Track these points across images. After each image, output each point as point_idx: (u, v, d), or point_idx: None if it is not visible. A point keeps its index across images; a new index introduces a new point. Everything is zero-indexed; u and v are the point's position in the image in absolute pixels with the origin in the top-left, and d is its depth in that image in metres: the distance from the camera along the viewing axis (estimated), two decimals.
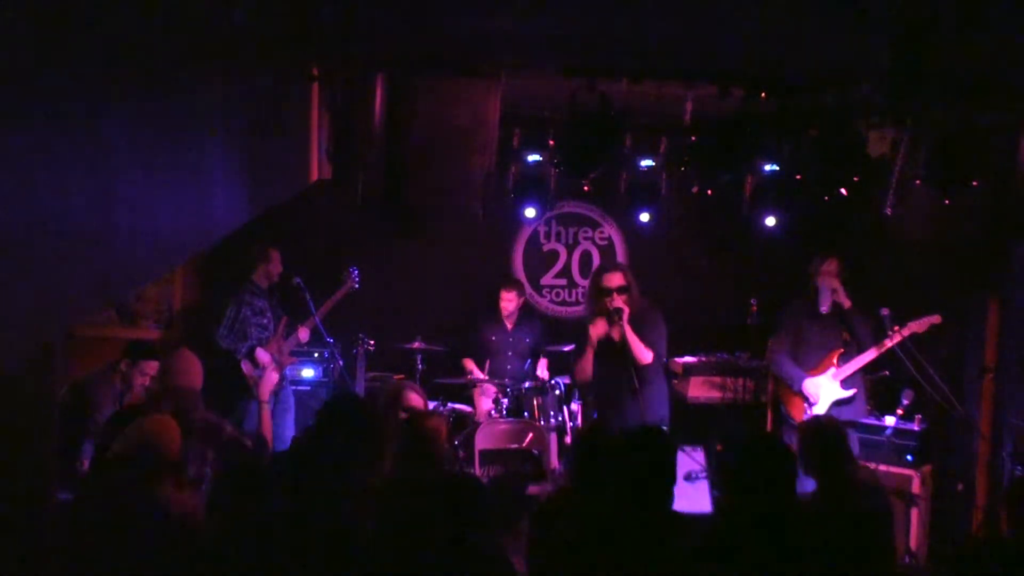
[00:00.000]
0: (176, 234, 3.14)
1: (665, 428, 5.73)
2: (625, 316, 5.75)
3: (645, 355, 5.78)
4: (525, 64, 5.45)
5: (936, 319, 6.07)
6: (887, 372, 6.37)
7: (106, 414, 5.52)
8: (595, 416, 6.32)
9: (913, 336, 6.03)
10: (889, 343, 6.02)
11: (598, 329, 5.89)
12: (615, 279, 5.87)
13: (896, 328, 6.03)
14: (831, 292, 6.18)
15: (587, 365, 5.99)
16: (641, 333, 5.81)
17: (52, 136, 2.06)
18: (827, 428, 4.28)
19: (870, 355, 6.10)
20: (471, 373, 7.37)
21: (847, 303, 6.20)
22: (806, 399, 6.15)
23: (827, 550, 3.68)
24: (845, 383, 6.12)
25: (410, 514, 3.57)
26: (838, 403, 6.09)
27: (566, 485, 4.07)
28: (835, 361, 6.14)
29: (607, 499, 3.58)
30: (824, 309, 6.19)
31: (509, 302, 7.41)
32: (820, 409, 6.06)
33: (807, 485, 4.17)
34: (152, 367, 5.81)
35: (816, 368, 6.18)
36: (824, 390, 6.11)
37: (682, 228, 7.76)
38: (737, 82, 5.42)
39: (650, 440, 3.69)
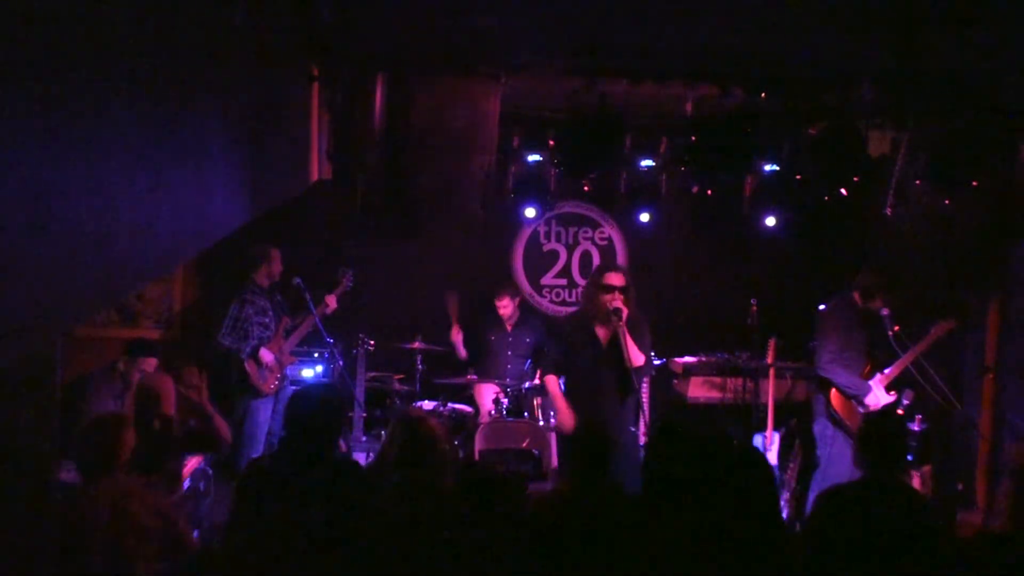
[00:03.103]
0: (176, 234, 3.14)
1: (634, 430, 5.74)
2: (624, 317, 5.73)
3: (637, 357, 5.75)
4: (525, 64, 5.45)
5: (951, 324, 6.03)
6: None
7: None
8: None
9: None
10: (920, 346, 5.99)
11: (604, 332, 5.80)
12: (617, 278, 5.83)
13: (895, 327, 6.02)
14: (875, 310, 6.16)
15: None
16: (634, 336, 5.79)
17: (52, 136, 2.06)
18: (889, 424, 4.18)
19: (909, 357, 6.04)
20: (455, 337, 7.38)
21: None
22: (865, 406, 6.07)
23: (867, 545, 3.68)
24: (889, 387, 6.11)
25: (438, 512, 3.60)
26: (888, 407, 6.09)
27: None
28: (877, 367, 6.10)
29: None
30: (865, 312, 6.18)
31: (503, 309, 7.41)
32: None
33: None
34: (150, 363, 5.81)
35: (862, 375, 6.14)
36: (880, 398, 6.09)
37: (682, 228, 7.77)
38: (737, 82, 5.43)
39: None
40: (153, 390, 4.72)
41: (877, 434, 4.02)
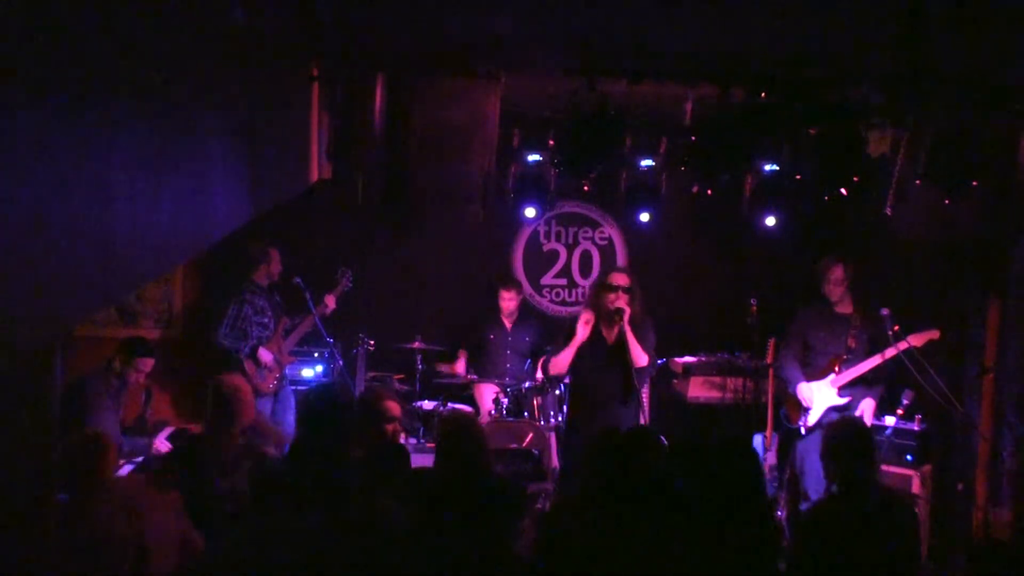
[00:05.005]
0: (176, 234, 3.14)
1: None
2: (626, 317, 5.74)
3: (641, 357, 5.76)
4: (525, 64, 5.45)
5: (935, 334, 6.01)
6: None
7: (101, 414, 5.52)
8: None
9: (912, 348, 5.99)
10: (889, 353, 5.98)
11: (587, 327, 5.80)
12: (621, 279, 5.85)
13: (895, 327, 6.01)
14: (837, 299, 6.18)
15: (565, 359, 5.84)
16: (637, 336, 5.80)
17: (52, 136, 2.06)
18: (851, 429, 4.10)
19: (870, 363, 6.05)
20: (458, 368, 7.41)
21: (848, 309, 6.19)
22: (799, 403, 6.14)
23: (832, 555, 3.67)
24: (843, 390, 6.09)
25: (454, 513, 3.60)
26: (836, 409, 6.06)
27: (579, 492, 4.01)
28: (836, 368, 6.11)
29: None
30: (838, 312, 6.20)
31: (509, 300, 7.44)
32: (815, 414, 6.06)
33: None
34: (147, 364, 5.80)
35: (820, 373, 6.16)
36: (819, 395, 6.08)
37: (682, 228, 7.77)
38: (737, 82, 5.42)
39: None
40: (234, 396, 4.45)
41: (839, 441, 3.97)
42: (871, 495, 3.85)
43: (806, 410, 6.12)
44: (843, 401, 6.06)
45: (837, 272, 6.16)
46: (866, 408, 6.10)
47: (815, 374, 6.17)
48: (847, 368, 6.08)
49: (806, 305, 6.41)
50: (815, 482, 5.80)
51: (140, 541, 3.67)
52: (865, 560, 3.66)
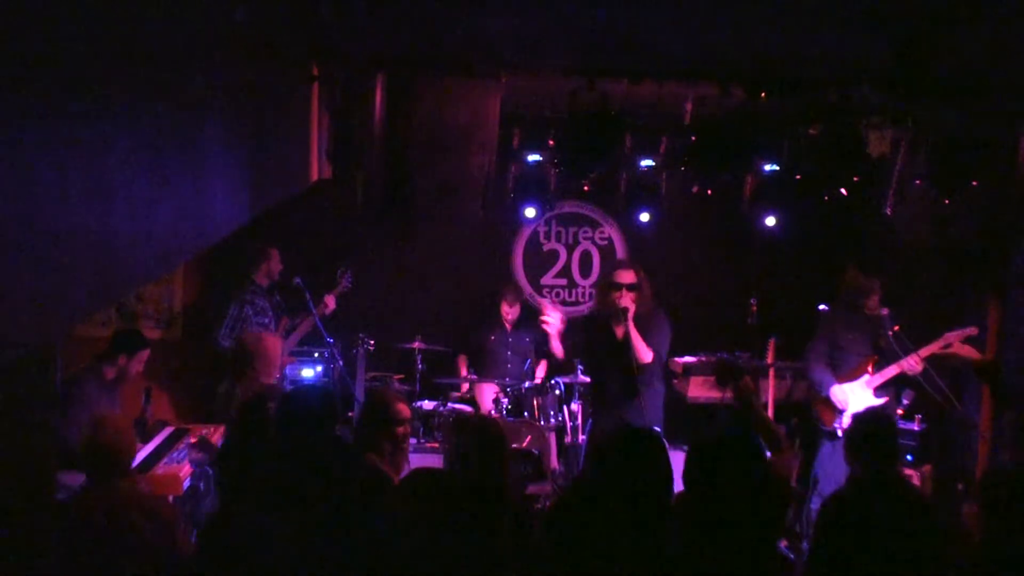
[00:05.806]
0: (176, 234, 3.14)
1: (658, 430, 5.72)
2: (630, 315, 5.74)
3: (646, 354, 5.76)
4: (525, 64, 5.45)
5: (973, 331, 5.96)
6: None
7: (99, 413, 5.51)
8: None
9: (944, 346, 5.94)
10: (926, 352, 5.94)
11: (620, 330, 5.87)
12: (626, 276, 5.84)
13: (895, 327, 6.00)
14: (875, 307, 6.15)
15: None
16: (645, 334, 5.79)
17: (52, 136, 2.06)
18: (878, 422, 4.13)
19: (907, 363, 6.01)
20: (466, 371, 7.40)
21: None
22: (833, 405, 6.10)
23: (854, 546, 3.66)
24: (878, 391, 6.07)
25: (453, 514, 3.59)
26: None
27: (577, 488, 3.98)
28: (870, 369, 6.08)
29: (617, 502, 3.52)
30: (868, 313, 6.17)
31: (511, 313, 7.49)
32: (850, 416, 6.02)
33: None
34: (145, 355, 5.84)
35: (851, 374, 6.13)
36: (855, 396, 6.04)
37: (682, 228, 7.76)
38: (737, 82, 5.42)
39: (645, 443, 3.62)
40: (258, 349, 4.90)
41: (863, 433, 4.00)
42: (890, 486, 3.86)
43: (840, 412, 6.08)
44: (880, 402, 6.02)
45: (876, 285, 6.13)
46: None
47: (844, 375, 6.13)
48: (881, 368, 6.05)
49: (832, 305, 6.35)
50: (832, 485, 5.77)
51: (125, 543, 3.67)
52: (884, 555, 3.66)
